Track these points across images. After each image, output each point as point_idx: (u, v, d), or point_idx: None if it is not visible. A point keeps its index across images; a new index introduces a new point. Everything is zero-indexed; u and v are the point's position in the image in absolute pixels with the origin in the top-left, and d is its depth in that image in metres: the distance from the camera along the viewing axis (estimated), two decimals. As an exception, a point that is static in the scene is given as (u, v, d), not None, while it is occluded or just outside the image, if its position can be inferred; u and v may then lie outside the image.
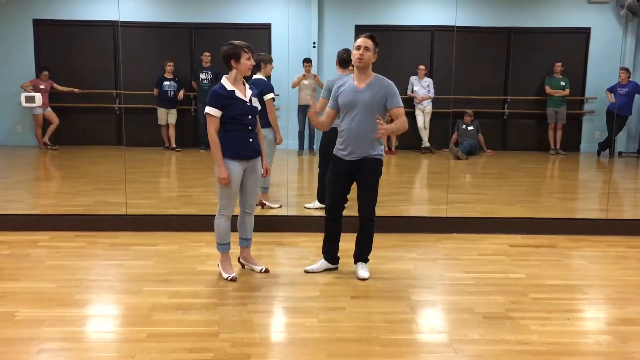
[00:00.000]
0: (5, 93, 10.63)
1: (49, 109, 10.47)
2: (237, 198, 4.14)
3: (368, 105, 3.99)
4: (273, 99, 5.68)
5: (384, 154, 4.17)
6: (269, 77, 5.90)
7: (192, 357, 3.01)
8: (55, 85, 10.50)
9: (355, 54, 4.01)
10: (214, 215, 4.12)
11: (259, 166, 4.17)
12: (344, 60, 5.60)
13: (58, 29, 10.75)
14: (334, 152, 4.19)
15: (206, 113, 3.96)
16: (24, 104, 10.18)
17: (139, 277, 4.16)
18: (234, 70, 3.99)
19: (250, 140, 4.06)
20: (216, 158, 3.96)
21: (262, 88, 5.44)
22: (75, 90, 10.59)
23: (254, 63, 4.06)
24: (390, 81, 4.08)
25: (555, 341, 3.25)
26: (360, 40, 3.99)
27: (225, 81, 4.00)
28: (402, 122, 4.03)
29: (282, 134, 6.00)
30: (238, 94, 3.98)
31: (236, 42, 3.98)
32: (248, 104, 4.02)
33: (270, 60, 5.85)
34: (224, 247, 4.15)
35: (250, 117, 4.03)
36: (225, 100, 3.93)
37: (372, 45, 3.99)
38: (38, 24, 10.74)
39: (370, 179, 4.09)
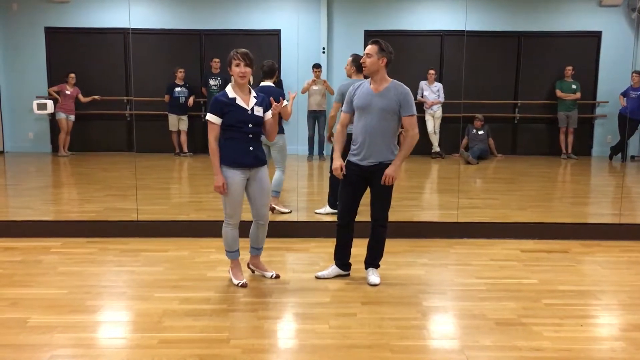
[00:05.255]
0: (18, 100, 10.74)
1: (73, 117, 10.52)
2: (241, 207, 4.07)
3: (384, 110, 3.98)
4: (286, 105, 5.68)
5: None
6: (276, 84, 5.90)
7: (203, 364, 3.01)
8: (80, 96, 10.56)
9: (362, 61, 4.08)
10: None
11: (264, 176, 4.09)
12: (359, 65, 5.59)
13: (70, 37, 10.85)
14: (347, 158, 4.18)
15: (206, 120, 3.95)
16: (35, 111, 10.27)
17: (150, 283, 4.17)
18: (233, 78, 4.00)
19: (251, 148, 3.98)
20: (213, 166, 3.94)
21: (274, 96, 5.45)
22: (97, 97, 10.67)
23: (244, 70, 3.91)
24: (407, 88, 4.06)
25: (569, 347, 3.22)
26: (366, 48, 4.05)
27: (229, 88, 3.98)
28: (409, 143, 4.05)
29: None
30: (239, 101, 3.92)
31: (236, 49, 3.96)
32: (249, 112, 3.94)
33: (276, 68, 5.90)
34: (232, 254, 4.15)
35: (250, 125, 3.95)
36: (226, 107, 3.89)
37: (375, 50, 3.99)
38: (50, 31, 10.84)
39: (385, 185, 4.07)
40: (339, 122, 4.27)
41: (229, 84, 4.02)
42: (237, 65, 3.91)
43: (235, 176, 3.95)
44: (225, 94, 3.95)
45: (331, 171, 5.89)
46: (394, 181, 4.03)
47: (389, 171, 4.01)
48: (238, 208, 4.04)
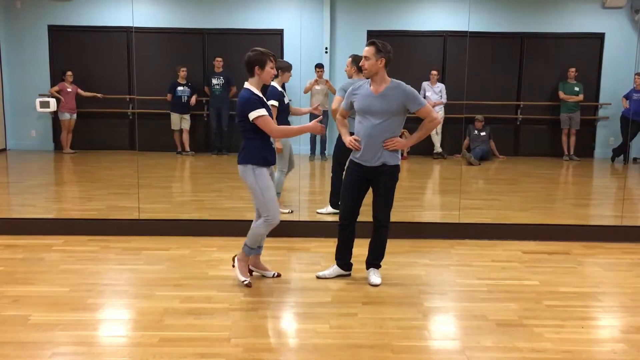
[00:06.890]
0: (20, 98, 10.76)
1: (75, 115, 10.54)
2: None
3: (385, 111, 3.97)
4: (275, 105, 5.57)
5: (400, 159, 4.15)
6: (283, 85, 5.86)
7: (204, 362, 3.01)
8: (79, 90, 10.59)
9: (361, 64, 4.10)
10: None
11: (272, 170, 4.19)
12: (359, 65, 5.58)
13: (73, 35, 10.85)
14: (350, 157, 4.20)
15: (258, 117, 3.83)
16: (38, 109, 10.29)
17: (151, 281, 4.18)
18: (257, 77, 3.96)
19: (273, 146, 4.12)
20: (297, 131, 4.11)
21: (267, 95, 5.41)
22: (99, 95, 10.68)
23: (276, 72, 4.08)
24: (407, 85, 4.04)
25: (570, 349, 3.22)
26: (363, 50, 4.05)
27: (252, 87, 3.94)
28: (427, 127, 4.07)
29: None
30: (264, 101, 4.00)
31: (262, 49, 3.95)
32: (271, 110, 4.07)
33: (288, 68, 5.80)
34: (255, 250, 4.16)
35: None
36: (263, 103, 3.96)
37: (372, 52, 3.98)
38: (53, 30, 10.85)
39: (387, 185, 4.08)
40: (338, 113, 4.35)
41: (248, 84, 3.96)
42: (272, 67, 3.98)
43: (268, 174, 4.02)
44: (254, 93, 3.93)
45: (333, 170, 5.93)
46: (394, 145, 4.00)
47: (398, 141, 4.01)
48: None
